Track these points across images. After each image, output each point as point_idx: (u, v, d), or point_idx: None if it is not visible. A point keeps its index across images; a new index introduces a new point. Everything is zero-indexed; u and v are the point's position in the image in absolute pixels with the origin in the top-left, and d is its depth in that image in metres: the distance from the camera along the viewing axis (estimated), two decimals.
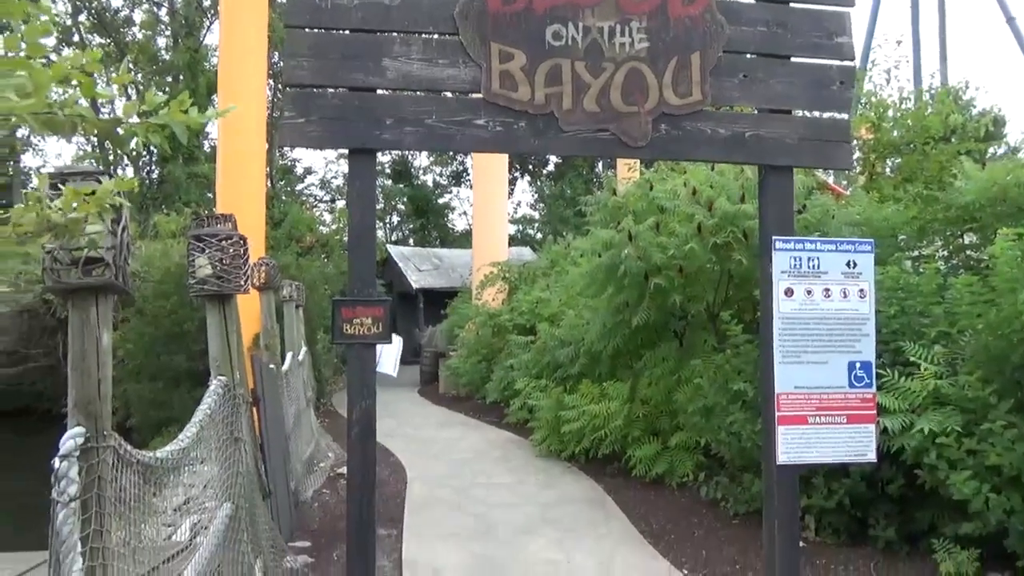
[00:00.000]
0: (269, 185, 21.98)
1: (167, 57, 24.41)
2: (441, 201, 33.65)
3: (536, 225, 31.34)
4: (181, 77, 23.06)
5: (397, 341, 10.40)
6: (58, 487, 1.93)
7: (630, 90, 3.54)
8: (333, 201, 31.32)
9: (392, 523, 6.24)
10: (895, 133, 9.11)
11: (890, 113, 9.27)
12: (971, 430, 4.50)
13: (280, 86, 20.93)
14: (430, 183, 33.83)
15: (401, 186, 32.31)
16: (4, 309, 13.72)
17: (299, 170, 30.22)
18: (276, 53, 20.22)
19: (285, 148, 26.14)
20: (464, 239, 29.74)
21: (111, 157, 24.05)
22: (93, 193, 1.67)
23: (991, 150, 10.08)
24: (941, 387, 4.65)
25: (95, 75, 1.62)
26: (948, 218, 6.72)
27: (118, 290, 2.14)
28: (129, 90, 21.75)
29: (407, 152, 30.31)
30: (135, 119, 1.70)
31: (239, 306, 4.26)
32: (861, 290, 3.82)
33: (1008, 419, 4.37)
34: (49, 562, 1.96)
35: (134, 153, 22.79)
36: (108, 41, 23.90)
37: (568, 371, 8.93)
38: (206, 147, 23.29)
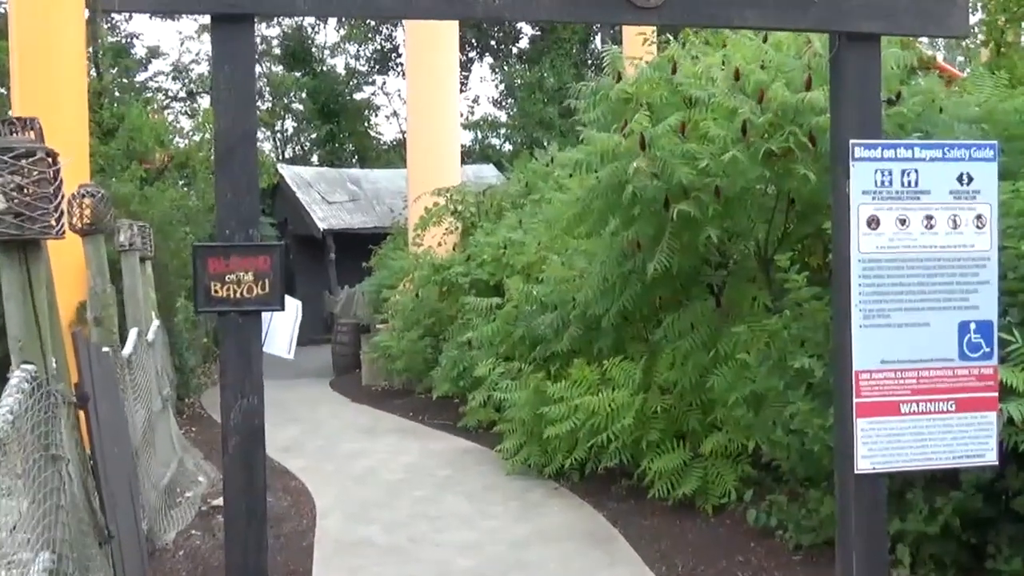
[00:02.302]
0: (94, 74, 21.54)
1: None
2: (359, 97, 33.29)
3: (503, 132, 31.21)
4: None
5: (293, 307, 10.31)
6: None
7: None
8: (191, 97, 30.80)
9: None
10: None
11: None
12: None
13: None
14: (341, 69, 33.40)
15: (298, 75, 31.84)
16: None
17: (140, 51, 29.61)
18: None
19: (114, 15, 25.58)
20: (395, 155, 29.58)
21: None
22: None
23: None
24: None
25: None
26: None
27: None
28: None
29: (302, 19, 29.84)
30: None
31: (51, 259, 4.21)
32: (979, 216, 3.89)
33: None
34: None
35: None
36: None
37: (553, 347, 8.97)
38: None
